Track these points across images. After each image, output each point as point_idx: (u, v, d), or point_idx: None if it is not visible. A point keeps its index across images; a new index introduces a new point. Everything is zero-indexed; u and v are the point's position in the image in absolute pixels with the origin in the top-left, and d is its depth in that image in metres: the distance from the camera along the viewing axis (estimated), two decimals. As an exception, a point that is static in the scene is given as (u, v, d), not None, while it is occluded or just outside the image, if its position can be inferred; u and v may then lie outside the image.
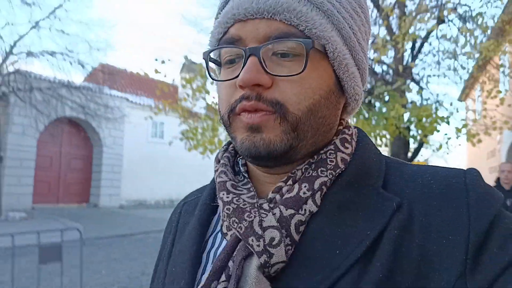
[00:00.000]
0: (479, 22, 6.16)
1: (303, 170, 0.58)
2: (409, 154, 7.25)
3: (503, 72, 7.43)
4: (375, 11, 7.15)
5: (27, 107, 13.17)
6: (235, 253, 0.54)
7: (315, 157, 0.59)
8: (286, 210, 0.54)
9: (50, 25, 13.23)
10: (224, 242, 0.61)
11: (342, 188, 0.56)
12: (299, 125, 0.55)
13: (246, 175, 0.65)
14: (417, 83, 7.68)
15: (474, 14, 6.32)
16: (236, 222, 0.55)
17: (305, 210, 0.54)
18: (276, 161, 0.57)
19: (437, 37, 6.72)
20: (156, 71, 7.61)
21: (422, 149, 7.54)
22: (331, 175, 0.56)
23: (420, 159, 8.62)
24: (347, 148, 0.60)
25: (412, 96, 7.42)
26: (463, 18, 6.42)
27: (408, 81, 6.49)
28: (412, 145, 7.28)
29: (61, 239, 3.28)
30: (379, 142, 6.35)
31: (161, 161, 19.16)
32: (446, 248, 0.48)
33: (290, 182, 0.58)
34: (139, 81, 20.25)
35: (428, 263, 0.48)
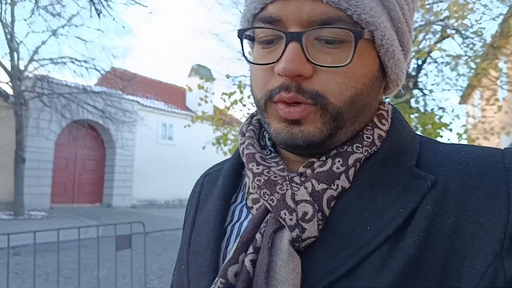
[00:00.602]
0: (478, 39, 6.82)
1: (338, 148, 0.57)
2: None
3: (501, 81, 8.09)
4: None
5: (45, 111, 13.81)
6: (263, 225, 0.53)
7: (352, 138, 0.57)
8: (318, 184, 0.53)
9: (68, 32, 13.89)
10: (250, 215, 0.60)
11: (375, 165, 0.55)
12: (340, 115, 0.53)
13: (273, 149, 0.63)
14: (421, 89, 8.36)
15: (474, 29, 6.97)
16: (267, 194, 0.53)
17: (337, 185, 0.53)
18: (313, 149, 0.56)
19: (439, 51, 7.37)
20: (190, 89, 8.38)
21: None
22: (366, 152, 0.55)
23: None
24: (383, 124, 0.59)
25: (416, 102, 8.05)
26: (463, 35, 7.08)
27: (414, 92, 7.13)
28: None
29: (130, 231, 3.91)
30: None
31: (169, 162, 19.81)
32: (483, 226, 0.47)
33: (323, 157, 0.56)
34: (149, 84, 20.88)
35: (463, 241, 0.47)
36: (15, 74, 12.73)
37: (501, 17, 7.20)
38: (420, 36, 7.29)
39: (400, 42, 0.57)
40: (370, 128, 0.58)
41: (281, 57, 0.51)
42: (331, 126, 0.53)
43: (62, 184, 16.22)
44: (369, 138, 0.56)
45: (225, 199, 0.63)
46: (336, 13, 0.50)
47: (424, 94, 8.43)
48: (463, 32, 6.96)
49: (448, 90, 8.82)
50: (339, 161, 0.54)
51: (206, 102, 9.62)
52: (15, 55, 12.87)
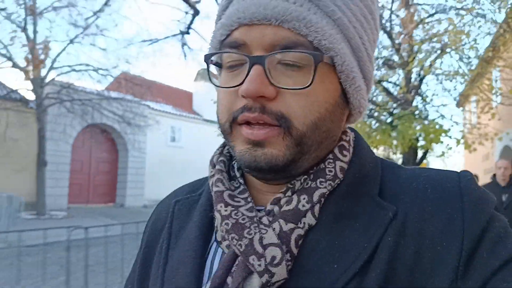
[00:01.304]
0: (474, 55, 7.63)
1: (302, 181, 0.57)
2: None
3: (495, 92, 8.90)
4: (385, 36, 8.59)
5: (62, 116, 14.55)
6: (233, 268, 0.52)
7: (314, 167, 0.58)
8: (286, 224, 0.52)
9: (84, 41, 14.60)
10: (220, 251, 0.59)
11: (339, 198, 0.55)
12: (303, 140, 0.53)
13: (241, 181, 0.62)
14: (421, 96, 9.15)
15: (469, 46, 7.76)
16: (235, 239, 0.52)
17: (304, 223, 0.53)
18: (276, 174, 0.55)
19: (439, 70, 8.19)
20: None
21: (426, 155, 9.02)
22: (330, 186, 0.56)
23: (424, 161, 10.04)
24: (345, 156, 0.59)
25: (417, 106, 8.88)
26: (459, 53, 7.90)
27: (417, 100, 7.94)
28: (419, 152, 8.74)
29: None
30: (392, 151, 7.81)
31: (178, 164, 20.55)
32: (440, 254, 0.48)
33: (289, 193, 0.56)
34: (158, 88, 21.60)
35: (422, 270, 0.48)
36: (37, 81, 13.46)
37: (494, 30, 7.99)
38: (424, 48, 8.09)
39: (361, 70, 0.58)
40: (331, 161, 0.57)
41: (244, 79, 0.51)
42: (294, 150, 0.53)
43: (78, 185, 16.95)
44: (331, 171, 0.56)
45: (203, 240, 0.61)
46: (298, 38, 0.51)
47: (425, 101, 9.22)
48: (459, 52, 7.76)
49: (446, 97, 9.61)
50: (304, 199, 0.54)
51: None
52: (37, 61, 13.59)
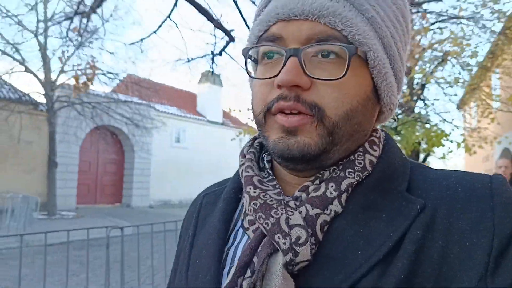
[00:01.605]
0: (474, 63, 8.00)
1: (330, 171, 0.58)
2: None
3: (495, 97, 9.27)
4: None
5: (70, 118, 14.88)
6: (259, 248, 0.54)
7: (344, 159, 0.59)
8: (312, 209, 0.54)
9: (93, 44, 14.92)
10: (245, 238, 0.61)
11: (367, 190, 0.56)
12: (335, 130, 0.54)
13: (271, 172, 0.64)
14: (423, 101, 9.50)
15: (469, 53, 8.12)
16: (262, 218, 0.54)
17: (330, 210, 0.54)
18: (308, 164, 0.57)
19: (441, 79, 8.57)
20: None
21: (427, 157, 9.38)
22: (358, 177, 0.57)
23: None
24: (375, 150, 0.60)
25: (419, 110, 9.26)
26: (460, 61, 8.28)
27: (420, 106, 8.31)
28: (421, 155, 9.10)
29: (175, 227, 4.87)
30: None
31: (183, 165, 20.89)
32: (468, 251, 0.48)
33: (317, 181, 0.58)
34: (163, 90, 21.92)
35: (449, 265, 0.48)
36: (47, 85, 13.80)
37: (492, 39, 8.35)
38: (426, 56, 8.44)
39: (392, 68, 0.60)
40: (361, 153, 0.59)
41: (280, 71, 0.54)
42: (326, 140, 0.54)
43: (85, 186, 17.32)
44: (361, 163, 0.58)
45: (225, 223, 0.64)
46: (333, 32, 0.54)
47: (426, 105, 9.58)
48: (460, 60, 8.14)
49: (447, 102, 9.97)
50: (332, 186, 0.55)
51: (235, 110, 10.78)
52: (48, 67, 13.95)
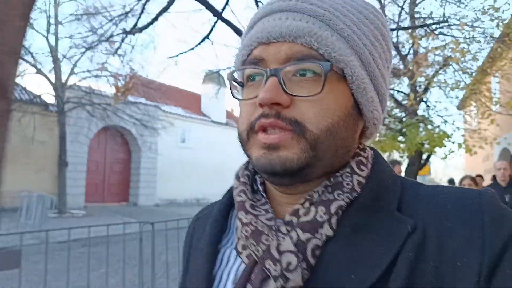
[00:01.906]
0: (475, 67, 8.37)
1: (320, 193, 0.58)
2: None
3: (495, 100, 9.63)
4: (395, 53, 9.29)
5: (80, 119, 15.25)
6: (252, 276, 0.55)
7: (332, 179, 0.59)
8: (303, 233, 0.54)
9: (105, 47, 15.26)
10: (238, 261, 0.62)
11: (357, 211, 0.56)
12: (318, 144, 0.55)
13: (264, 194, 0.65)
14: (425, 102, 9.85)
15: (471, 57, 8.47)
16: (253, 245, 0.55)
17: (321, 234, 0.54)
18: (292, 178, 0.57)
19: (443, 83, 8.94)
20: None
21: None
22: (347, 199, 0.57)
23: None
24: (362, 170, 0.61)
25: (422, 112, 9.66)
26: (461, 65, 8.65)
27: (424, 110, 8.70)
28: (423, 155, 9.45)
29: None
30: (399, 155, 8.53)
31: (187, 164, 21.25)
32: (460, 270, 0.48)
33: (307, 204, 0.58)
34: (168, 91, 22.26)
35: (442, 285, 0.49)
36: (58, 86, 14.15)
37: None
38: (429, 60, 8.79)
39: (373, 84, 0.61)
40: (349, 174, 0.59)
41: (261, 91, 0.56)
42: (310, 154, 0.55)
43: (93, 185, 17.70)
44: (349, 184, 0.58)
45: (212, 247, 0.65)
46: (310, 52, 0.56)
47: (428, 107, 9.93)
48: (461, 64, 8.51)
49: (448, 103, 10.33)
50: (322, 210, 0.56)
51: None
52: (58, 69, 14.30)
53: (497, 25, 7.94)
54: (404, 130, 7.88)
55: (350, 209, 0.56)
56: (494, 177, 5.44)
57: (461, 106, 12.05)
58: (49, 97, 15.07)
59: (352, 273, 0.51)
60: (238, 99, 0.63)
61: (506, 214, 0.53)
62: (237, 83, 0.65)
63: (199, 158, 21.71)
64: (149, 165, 19.46)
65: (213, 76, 22.62)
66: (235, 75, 0.65)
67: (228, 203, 0.70)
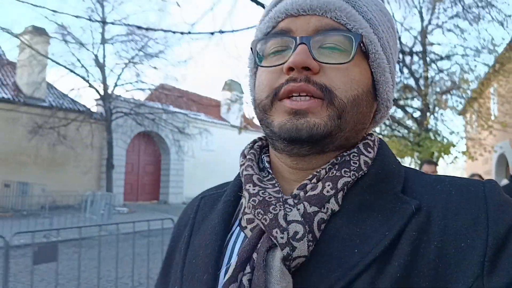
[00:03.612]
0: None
1: (327, 170, 0.59)
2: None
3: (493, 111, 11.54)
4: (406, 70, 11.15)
5: (121, 125, 17.08)
6: (259, 245, 0.54)
7: (339, 158, 0.60)
8: (310, 206, 0.55)
9: (141, 61, 17.11)
10: (242, 236, 0.62)
11: (363, 189, 0.57)
12: (344, 113, 0.56)
13: (270, 171, 0.65)
14: (435, 116, 11.76)
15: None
16: (261, 214, 0.55)
17: (327, 208, 0.55)
18: (312, 147, 0.58)
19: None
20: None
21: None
22: (354, 176, 0.57)
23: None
24: (369, 152, 0.61)
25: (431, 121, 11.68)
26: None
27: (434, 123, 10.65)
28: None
29: None
30: (415, 161, 10.45)
31: (210, 165, 23.06)
32: (464, 251, 0.49)
33: (314, 180, 0.59)
34: (191, 97, 24.01)
35: (445, 265, 0.49)
36: (105, 97, 16.01)
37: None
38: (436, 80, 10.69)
39: (389, 68, 0.63)
40: (356, 154, 0.60)
41: (291, 56, 0.56)
42: (335, 122, 0.56)
43: (129, 185, 19.59)
44: (356, 163, 0.59)
45: (225, 225, 0.64)
46: (338, 26, 0.58)
47: (436, 119, 11.85)
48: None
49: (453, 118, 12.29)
50: (329, 185, 0.56)
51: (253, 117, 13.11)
52: (105, 82, 16.19)
53: (495, 57, 9.88)
54: (421, 143, 9.74)
55: (356, 187, 0.58)
56: (511, 176, 5.35)
57: (463, 112, 13.98)
58: (96, 106, 16.95)
59: (356, 248, 0.51)
60: (262, 66, 0.61)
61: (509, 201, 0.54)
62: (257, 56, 0.63)
63: (220, 159, 23.47)
64: (177, 166, 21.35)
65: (232, 84, 24.53)
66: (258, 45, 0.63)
67: (240, 185, 0.67)
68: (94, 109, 17.47)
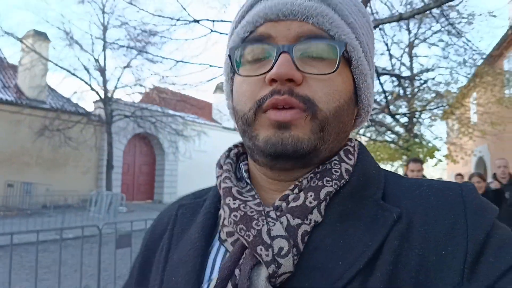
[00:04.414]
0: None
1: (308, 179, 0.58)
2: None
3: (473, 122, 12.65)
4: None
5: (117, 127, 17.68)
6: (241, 261, 0.53)
7: (320, 167, 0.59)
8: (293, 219, 0.53)
9: (141, 64, 17.75)
10: (222, 250, 0.60)
11: (344, 198, 0.56)
12: (326, 126, 0.55)
13: (248, 181, 0.64)
14: (421, 123, 12.75)
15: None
16: (243, 230, 0.53)
17: (310, 219, 0.54)
18: (296, 161, 0.56)
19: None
20: None
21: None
22: (336, 185, 0.56)
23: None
24: (350, 159, 0.60)
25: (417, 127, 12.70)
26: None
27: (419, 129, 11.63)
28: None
29: None
30: (402, 163, 11.39)
31: (203, 166, 23.72)
32: (445, 258, 0.49)
33: (296, 190, 0.57)
34: (184, 99, 24.63)
35: (426, 273, 0.49)
36: (106, 100, 16.60)
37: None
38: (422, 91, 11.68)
39: (370, 73, 0.63)
40: (337, 162, 0.59)
41: (272, 67, 0.54)
42: (318, 135, 0.55)
43: (125, 185, 20.14)
44: (337, 171, 0.58)
45: (205, 240, 0.62)
46: (321, 32, 0.55)
47: (421, 123, 12.85)
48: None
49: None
50: (311, 195, 0.55)
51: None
52: (106, 85, 16.77)
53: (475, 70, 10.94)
54: (409, 148, 10.71)
55: (337, 196, 0.56)
56: (494, 174, 5.52)
57: (445, 117, 15.06)
58: (96, 109, 17.49)
59: (340, 260, 0.50)
60: (243, 75, 0.58)
61: (486, 204, 0.54)
62: (233, 63, 0.60)
63: (212, 160, 23.81)
64: (171, 167, 22.01)
65: (223, 87, 24.91)
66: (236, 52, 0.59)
67: (219, 196, 0.65)
68: (94, 111, 18.04)
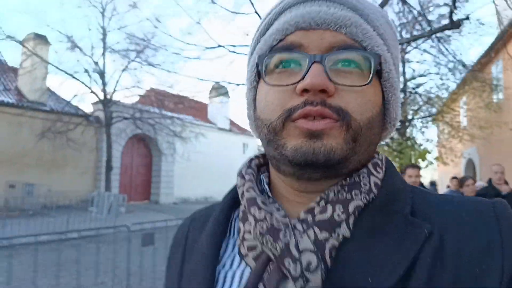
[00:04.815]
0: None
1: (335, 192, 0.56)
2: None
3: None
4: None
5: (116, 129, 17.99)
6: (265, 275, 0.52)
7: (348, 179, 0.57)
8: (321, 232, 0.52)
9: (139, 66, 18.06)
10: (243, 264, 0.58)
11: (373, 213, 0.54)
12: (359, 136, 0.54)
13: (270, 194, 0.62)
14: (413, 126, 13.27)
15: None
16: (270, 242, 0.52)
17: (338, 234, 0.52)
18: (327, 171, 0.55)
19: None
20: None
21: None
22: (365, 199, 0.55)
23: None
24: (378, 172, 0.59)
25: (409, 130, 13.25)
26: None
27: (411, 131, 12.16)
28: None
29: None
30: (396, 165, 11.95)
31: (198, 166, 24.10)
32: (479, 277, 0.47)
33: (322, 203, 0.55)
34: (180, 100, 24.91)
35: None
36: (105, 102, 16.90)
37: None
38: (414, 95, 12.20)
39: (399, 86, 0.62)
40: (365, 175, 0.57)
41: (303, 77, 0.52)
42: (350, 146, 0.53)
43: (123, 186, 20.42)
44: (366, 185, 0.56)
45: (215, 248, 0.61)
46: (353, 43, 0.54)
47: (413, 126, 13.38)
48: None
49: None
50: (340, 209, 0.53)
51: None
52: (105, 88, 17.08)
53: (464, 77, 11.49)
54: (402, 150, 11.21)
55: (366, 211, 0.55)
56: (490, 180, 5.58)
57: (436, 119, 15.64)
58: (95, 111, 17.78)
59: (370, 277, 0.48)
60: (268, 84, 0.57)
61: None
62: (259, 71, 0.59)
63: (208, 160, 24.54)
64: (168, 167, 22.35)
65: (219, 88, 25.38)
66: (265, 60, 0.57)
67: (230, 204, 0.66)
68: (93, 113, 18.33)
